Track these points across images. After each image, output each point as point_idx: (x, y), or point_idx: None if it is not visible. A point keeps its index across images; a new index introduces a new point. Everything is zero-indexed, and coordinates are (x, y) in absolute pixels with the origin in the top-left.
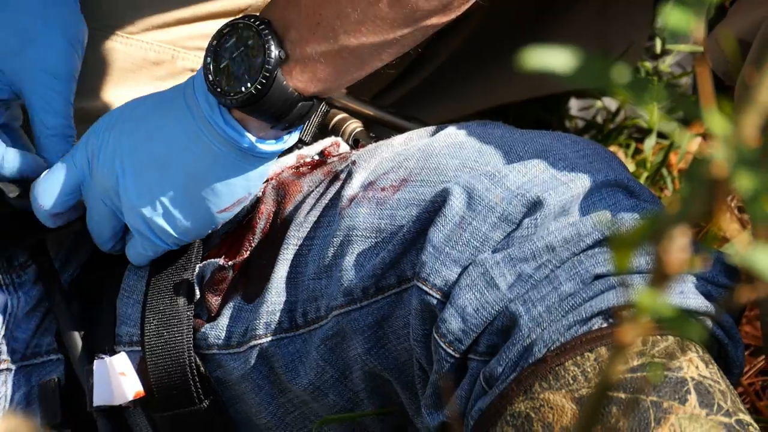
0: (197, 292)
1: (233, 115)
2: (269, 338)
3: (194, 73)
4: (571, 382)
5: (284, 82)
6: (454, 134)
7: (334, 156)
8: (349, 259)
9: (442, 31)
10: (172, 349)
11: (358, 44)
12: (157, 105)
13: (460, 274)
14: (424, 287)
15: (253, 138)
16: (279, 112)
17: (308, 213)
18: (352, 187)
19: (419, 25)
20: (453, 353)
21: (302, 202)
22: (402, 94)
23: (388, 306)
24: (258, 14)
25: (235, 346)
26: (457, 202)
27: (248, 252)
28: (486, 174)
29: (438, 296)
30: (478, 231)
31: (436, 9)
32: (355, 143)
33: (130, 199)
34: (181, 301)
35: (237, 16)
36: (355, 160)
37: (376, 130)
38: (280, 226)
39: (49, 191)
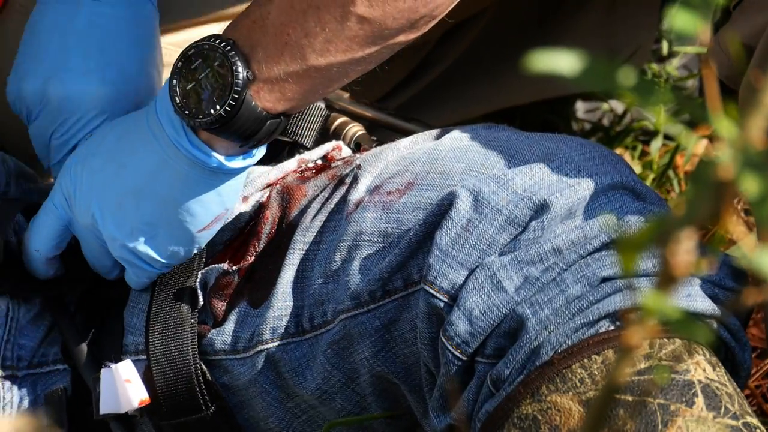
0: (201, 298)
1: (199, 135)
2: (276, 343)
3: None
4: (578, 384)
5: (253, 102)
6: (459, 137)
7: (337, 160)
8: (356, 263)
9: (449, 34)
10: (177, 357)
11: (326, 63)
12: (123, 135)
13: (467, 277)
14: (431, 290)
15: (221, 157)
16: (248, 132)
17: (314, 217)
18: (358, 192)
19: (387, 43)
20: (460, 356)
21: (307, 206)
22: (408, 97)
23: (395, 309)
24: (221, 34)
25: (241, 351)
26: (463, 206)
27: (253, 257)
28: (492, 177)
29: (445, 299)
30: (484, 234)
31: (403, 27)
32: (357, 147)
33: (111, 233)
34: (185, 308)
35: (200, 38)
36: (360, 164)
37: (379, 134)
38: (285, 231)
39: (38, 236)
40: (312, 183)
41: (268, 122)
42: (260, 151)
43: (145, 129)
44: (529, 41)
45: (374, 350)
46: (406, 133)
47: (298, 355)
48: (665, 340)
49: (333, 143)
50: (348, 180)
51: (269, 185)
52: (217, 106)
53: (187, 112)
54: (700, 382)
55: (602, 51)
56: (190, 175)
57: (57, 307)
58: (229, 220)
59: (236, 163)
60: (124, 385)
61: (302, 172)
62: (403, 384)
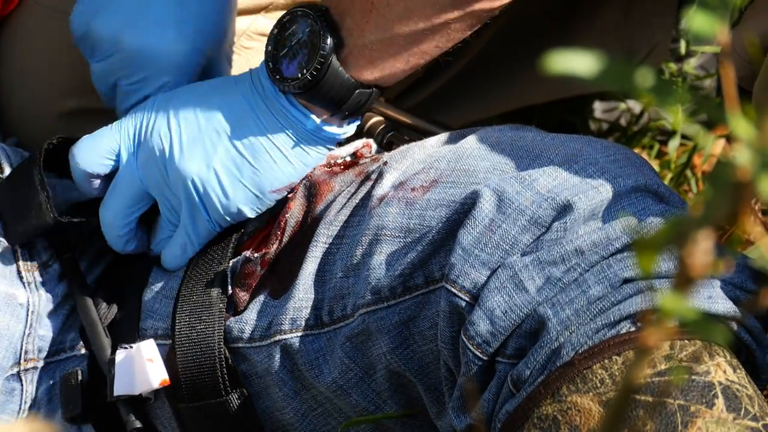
0: (229, 285)
1: (298, 101)
2: (294, 334)
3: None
4: (599, 385)
5: (339, 68)
6: (485, 137)
7: (366, 157)
8: (378, 258)
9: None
10: (202, 341)
11: (409, 30)
12: (221, 84)
13: (488, 277)
14: (452, 289)
15: (318, 119)
16: (337, 98)
17: (338, 212)
18: (383, 187)
19: (467, 10)
20: (481, 356)
21: (333, 201)
22: (425, 96)
23: (415, 306)
24: (316, 2)
25: (257, 339)
26: (487, 205)
27: (275, 246)
28: (516, 177)
29: (466, 298)
30: (507, 234)
31: None
32: (389, 146)
33: (186, 165)
34: (215, 293)
35: (298, 4)
36: (387, 161)
37: (411, 134)
38: (309, 224)
39: (88, 149)
40: (339, 178)
41: (357, 91)
42: (351, 127)
43: (248, 83)
44: (546, 40)
45: (392, 346)
46: (425, 133)
47: (315, 348)
48: (686, 341)
49: (363, 140)
50: (374, 176)
51: None
52: (304, 71)
53: (278, 76)
54: (720, 383)
55: (619, 50)
56: (285, 131)
57: (78, 287)
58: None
59: (331, 129)
60: (145, 365)
61: (331, 167)
62: (418, 382)
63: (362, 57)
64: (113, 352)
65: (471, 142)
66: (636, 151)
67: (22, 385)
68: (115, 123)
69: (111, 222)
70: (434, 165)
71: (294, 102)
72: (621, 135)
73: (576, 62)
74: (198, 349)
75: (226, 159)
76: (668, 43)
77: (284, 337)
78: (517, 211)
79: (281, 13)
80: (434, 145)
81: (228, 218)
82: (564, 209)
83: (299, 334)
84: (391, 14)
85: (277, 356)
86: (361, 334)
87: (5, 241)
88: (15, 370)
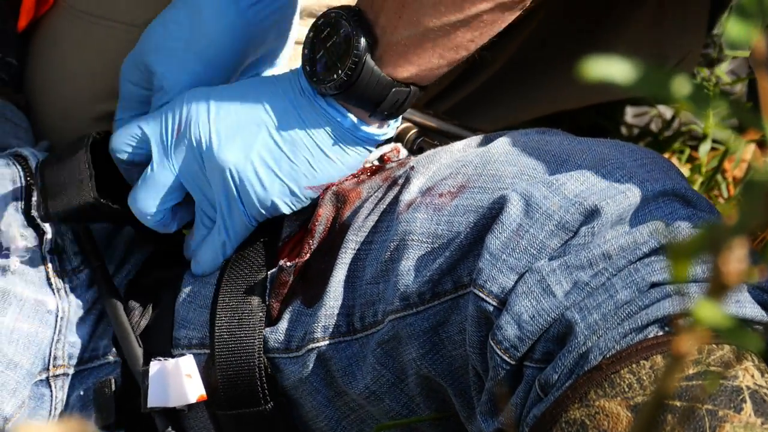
0: (267, 294)
1: (337, 102)
2: (327, 342)
3: None
4: (627, 389)
5: (374, 67)
6: (512, 141)
7: (393, 161)
8: (406, 264)
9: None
10: (242, 349)
11: (440, 24)
12: (261, 81)
13: (516, 282)
14: (480, 294)
15: (354, 119)
16: (374, 97)
17: (366, 217)
18: (410, 193)
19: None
20: (509, 360)
21: (360, 206)
22: (457, 101)
23: (443, 312)
24: (350, 5)
25: (294, 350)
26: (514, 210)
27: (308, 255)
28: (543, 182)
29: (494, 303)
30: (535, 238)
31: None
32: (419, 151)
33: (221, 154)
34: (255, 301)
35: (332, 7)
36: (413, 166)
37: (439, 139)
38: (338, 230)
39: (118, 134)
40: (367, 184)
41: (394, 90)
42: (391, 128)
43: (286, 83)
44: (579, 46)
45: (422, 351)
46: (456, 138)
47: (348, 354)
48: (714, 346)
49: (391, 145)
50: (401, 181)
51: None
52: (339, 71)
53: (315, 78)
54: (748, 388)
55: (651, 57)
56: (324, 128)
57: (108, 294)
58: (289, 217)
59: (369, 129)
60: (182, 380)
61: (359, 174)
62: (449, 386)
63: (396, 54)
64: (146, 363)
65: (498, 146)
66: (666, 155)
67: (51, 390)
68: (148, 114)
69: (141, 212)
70: (461, 170)
71: (332, 102)
72: (652, 140)
73: (612, 69)
74: (238, 357)
75: (264, 151)
76: (700, 49)
77: (317, 345)
78: (545, 216)
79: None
80: (461, 149)
81: (263, 211)
82: (591, 214)
83: (332, 341)
84: (421, 8)
85: (311, 365)
86: (391, 340)
87: (36, 248)
88: (44, 375)
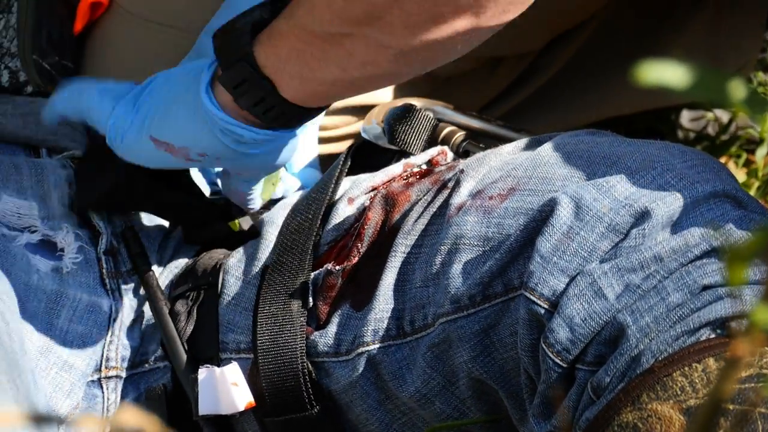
0: (310, 298)
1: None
2: (377, 345)
3: None
4: (679, 392)
5: (244, 30)
6: (562, 143)
7: (441, 165)
8: (457, 267)
9: (555, 43)
10: (285, 355)
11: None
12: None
13: (567, 284)
14: (531, 297)
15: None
16: (225, 57)
17: (416, 221)
18: (460, 196)
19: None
20: (561, 363)
21: (410, 210)
22: (513, 106)
23: (494, 314)
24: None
25: (344, 353)
26: (564, 212)
27: (356, 258)
28: (594, 184)
29: (546, 306)
30: (585, 241)
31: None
32: (465, 154)
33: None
34: (295, 305)
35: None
36: (463, 169)
37: (485, 142)
38: (387, 234)
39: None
40: (416, 188)
41: (241, 62)
42: (297, 145)
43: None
44: (635, 51)
45: (473, 354)
46: (504, 140)
47: (398, 358)
48: (766, 348)
49: (439, 148)
50: (450, 184)
51: (374, 188)
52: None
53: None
54: None
55: (708, 61)
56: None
57: (156, 300)
58: (335, 222)
59: (231, 114)
60: (229, 389)
61: (407, 177)
62: (500, 389)
63: (268, 33)
64: (195, 369)
65: (547, 149)
66: (723, 160)
67: (103, 392)
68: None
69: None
70: (511, 173)
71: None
72: (709, 144)
73: (668, 73)
74: (281, 363)
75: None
76: (757, 54)
77: (367, 348)
78: (595, 218)
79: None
80: (510, 152)
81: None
82: (642, 216)
83: (382, 344)
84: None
85: (361, 368)
86: (442, 343)
87: (91, 248)
88: (96, 376)
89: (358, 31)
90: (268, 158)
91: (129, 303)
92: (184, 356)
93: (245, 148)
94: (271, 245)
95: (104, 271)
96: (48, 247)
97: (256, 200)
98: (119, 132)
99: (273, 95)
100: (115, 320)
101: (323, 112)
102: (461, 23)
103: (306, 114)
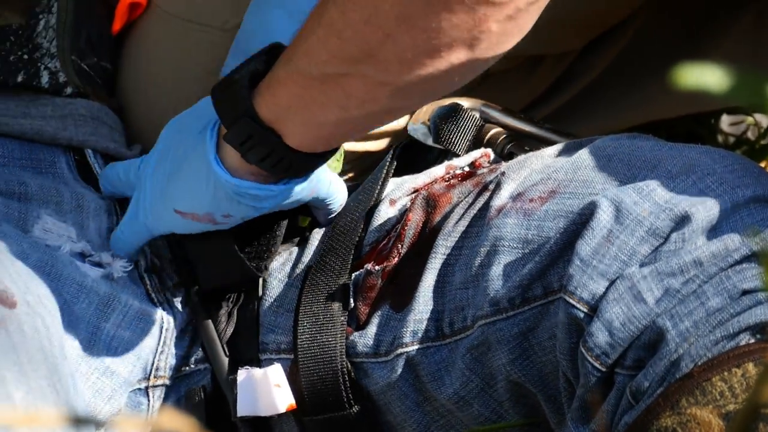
0: (351, 299)
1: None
2: (416, 347)
3: None
4: (718, 397)
5: (241, 87)
6: (603, 147)
7: (484, 167)
8: (496, 269)
9: (595, 44)
10: (325, 354)
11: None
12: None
13: (607, 288)
14: (570, 300)
15: (230, 163)
16: (226, 115)
17: (456, 223)
18: (501, 198)
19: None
20: (600, 367)
21: (451, 212)
22: (554, 108)
23: (533, 317)
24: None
25: (383, 354)
26: (604, 216)
27: (396, 259)
28: (634, 187)
29: (585, 310)
30: (625, 245)
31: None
32: (509, 156)
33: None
34: (336, 306)
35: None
36: (504, 171)
37: (530, 144)
38: (428, 236)
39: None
40: (457, 189)
41: (244, 119)
42: (293, 192)
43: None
44: (677, 54)
45: (512, 357)
46: (548, 143)
47: (437, 359)
48: None
49: (482, 150)
50: (491, 186)
51: (416, 190)
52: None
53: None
54: None
55: (750, 64)
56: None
57: (199, 308)
58: (377, 223)
59: (244, 177)
60: (272, 390)
61: (449, 179)
62: (538, 392)
63: (266, 84)
64: (234, 371)
65: (588, 152)
66: (763, 164)
67: (149, 400)
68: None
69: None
70: (552, 176)
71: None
72: (748, 148)
73: (707, 77)
74: (321, 362)
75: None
76: None
77: (406, 349)
78: (635, 222)
79: None
80: (552, 155)
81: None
82: (682, 220)
83: (421, 346)
84: (295, 49)
85: (400, 369)
86: (481, 346)
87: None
88: (143, 385)
89: (354, 70)
90: (294, 200)
91: (180, 313)
92: (225, 359)
93: (265, 203)
94: (314, 247)
95: (149, 287)
96: (92, 261)
97: (335, 205)
98: (147, 213)
99: (280, 146)
100: (166, 330)
101: (331, 158)
102: (456, 56)
103: (314, 161)
